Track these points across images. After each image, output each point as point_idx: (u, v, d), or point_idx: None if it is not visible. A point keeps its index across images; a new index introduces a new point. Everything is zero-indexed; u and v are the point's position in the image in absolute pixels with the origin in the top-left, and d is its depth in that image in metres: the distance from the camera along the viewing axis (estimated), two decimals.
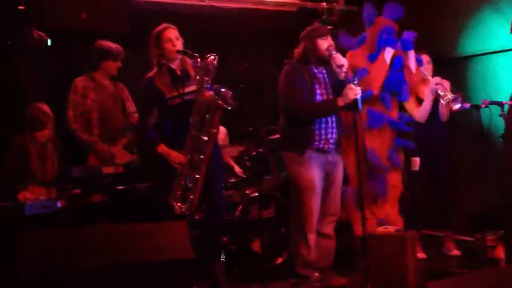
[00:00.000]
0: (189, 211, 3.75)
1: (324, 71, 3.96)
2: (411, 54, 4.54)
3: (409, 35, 4.54)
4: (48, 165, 4.08)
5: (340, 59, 3.82)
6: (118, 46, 4.37)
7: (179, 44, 3.86)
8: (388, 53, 4.43)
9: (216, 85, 3.75)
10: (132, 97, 4.52)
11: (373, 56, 4.45)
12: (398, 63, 4.49)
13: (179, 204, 3.75)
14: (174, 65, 3.90)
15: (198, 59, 3.73)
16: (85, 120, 4.26)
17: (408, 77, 4.52)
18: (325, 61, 3.91)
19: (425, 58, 4.81)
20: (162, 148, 3.79)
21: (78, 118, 4.24)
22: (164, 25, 3.90)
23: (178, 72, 3.90)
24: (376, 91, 4.41)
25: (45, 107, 4.08)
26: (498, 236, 4.37)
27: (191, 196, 3.75)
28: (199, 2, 5.38)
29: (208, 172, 3.84)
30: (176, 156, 3.76)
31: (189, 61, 3.88)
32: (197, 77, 3.76)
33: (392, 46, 4.42)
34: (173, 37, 3.85)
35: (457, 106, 4.57)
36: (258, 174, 4.79)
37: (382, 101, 4.50)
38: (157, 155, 3.79)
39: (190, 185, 3.76)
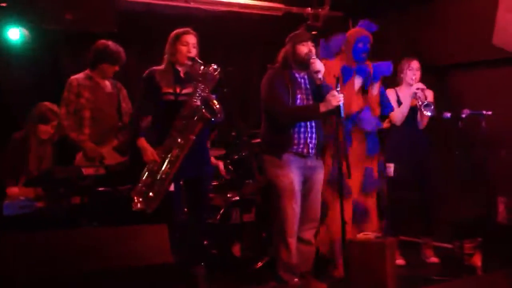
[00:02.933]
0: (148, 208, 3.77)
1: (305, 76, 4.00)
2: (377, 86, 4.59)
3: (385, 67, 4.59)
4: (44, 164, 4.11)
5: (317, 65, 3.83)
6: (119, 51, 4.28)
7: (194, 52, 3.91)
8: (358, 82, 4.47)
9: (208, 95, 3.79)
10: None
11: (346, 69, 4.47)
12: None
13: (140, 199, 3.78)
14: (180, 68, 3.95)
15: (202, 67, 3.82)
16: (77, 118, 4.24)
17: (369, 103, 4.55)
18: (306, 66, 3.93)
19: (415, 64, 4.85)
20: (141, 142, 3.85)
21: (70, 116, 4.22)
22: (188, 29, 3.95)
23: (182, 75, 3.95)
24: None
25: (54, 106, 4.17)
26: (476, 244, 4.42)
27: (151, 194, 3.79)
28: (184, 4, 5.37)
29: (197, 175, 3.90)
30: (151, 153, 3.81)
31: (198, 70, 3.90)
32: (195, 82, 3.83)
33: (363, 75, 4.44)
34: (191, 43, 3.91)
35: (428, 113, 4.60)
36: (240, 178, 4.80)
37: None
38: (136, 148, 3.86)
39: (154, 183, 3.80)
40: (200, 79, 3.82)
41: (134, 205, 3.77)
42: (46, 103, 4.18)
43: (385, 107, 4.61)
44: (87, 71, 4.31)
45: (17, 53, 4.63)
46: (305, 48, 3.93)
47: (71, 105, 4.22)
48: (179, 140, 3.79)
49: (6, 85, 4.73)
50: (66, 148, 4.28)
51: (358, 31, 4.56)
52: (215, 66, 3.85)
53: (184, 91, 3.89)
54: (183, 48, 3.90)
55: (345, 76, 4.44)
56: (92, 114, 4.24)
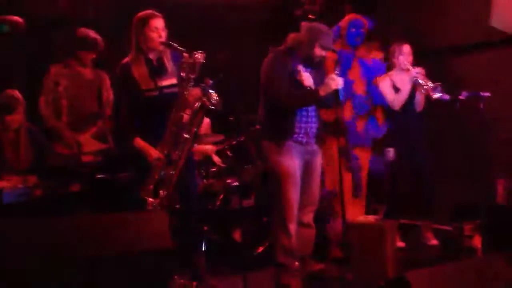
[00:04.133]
0: (161, 206, 3.59)
1: (309, 68, 3.92)
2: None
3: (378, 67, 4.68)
4: (22, 152, 4.03)
5: (336, 83, 3.77)
6: (96, 37, 4.27)
7: (164, 36, 3.68)
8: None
9: (203, 84, 3.60)
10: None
11: (341, 53, 4.47)
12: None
13: (151, 199, 3.61)
14: (151, 55, 3.73)
15: (185, 54, 3.56)
16: (55, 107, 4.25)
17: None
18: (314, 64, 3.89)
19: (406, 48, 4.84)
20: (139, 142, 3.64)
21: (48, 105, 4.23)
22: (152, 11, 3.69)
23: (154, 63, 3.74)
24: None
25: (16, 92, 4.03)
26: (475, 225, 4.43)
27: (162, 192, 3.62)
28: None
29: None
30: (154, 152, 3.62)
31: (168, 53, 3.74)
32: (182, 73, 3.59)
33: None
34: (160, 27, 3.66)
35: (437, 95, 4.60)
36: (238, 163, 4.79)
37: None
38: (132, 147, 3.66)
39: (164, 180, 3.62)
40: (188, 69, 3.54)
41: (148, 205, 3.56)
42: (7, 90, 4.01)
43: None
44: (67, 60, 4.31)
45: None
46: (323, 53, 3.86)
47: (50, 93, 4.23)
48: (184, 134, 3.58)
49: None
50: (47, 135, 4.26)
51: (351, 17, 4.60)
52: (200, 53, 3.55)
53: (164, 83, 3.70)
54: (154, 35, 3.63)
55: (343, 62, 4.45)
56: (70, 102, 4.26)
